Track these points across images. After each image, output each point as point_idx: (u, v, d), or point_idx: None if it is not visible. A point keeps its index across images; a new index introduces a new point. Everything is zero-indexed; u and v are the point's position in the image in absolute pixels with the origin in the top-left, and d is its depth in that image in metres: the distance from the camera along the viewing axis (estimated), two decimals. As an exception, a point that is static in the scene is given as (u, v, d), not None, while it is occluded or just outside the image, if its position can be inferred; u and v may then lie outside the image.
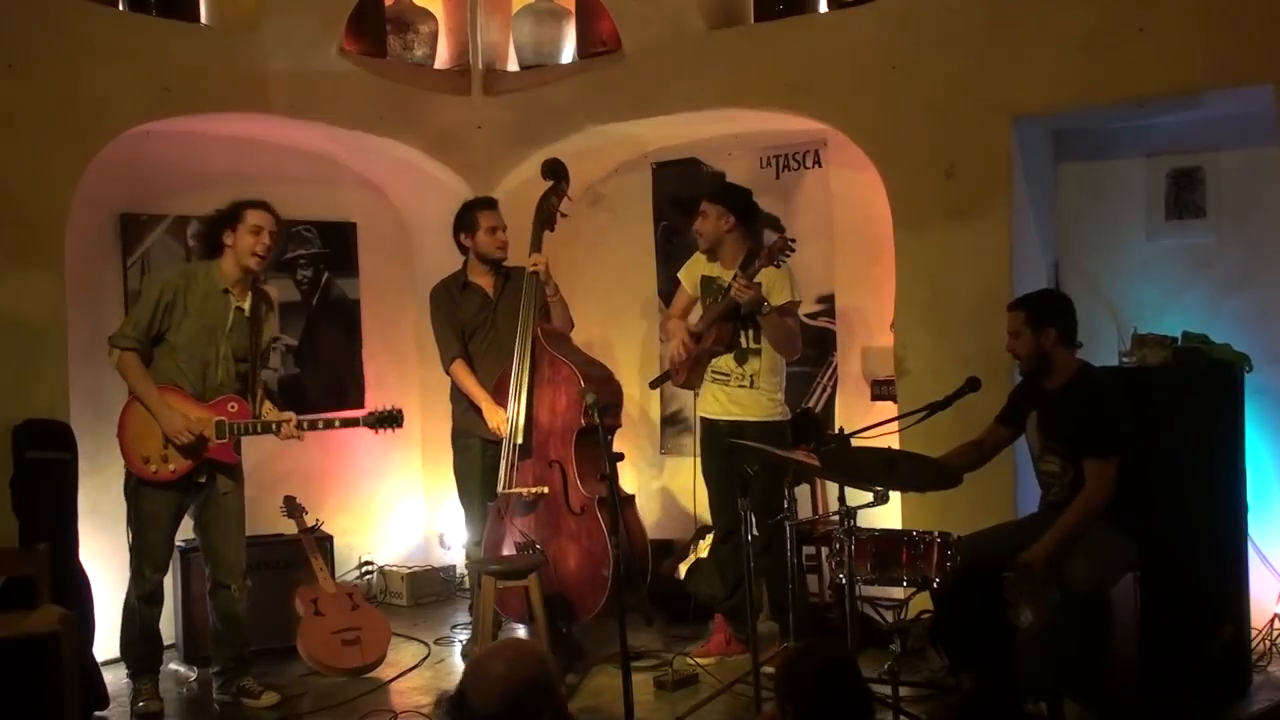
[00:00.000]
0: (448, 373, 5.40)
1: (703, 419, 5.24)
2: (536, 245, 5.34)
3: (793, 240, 4.86)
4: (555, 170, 5.44)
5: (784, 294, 5.03)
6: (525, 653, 2.39)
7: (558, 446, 5.14)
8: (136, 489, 4.67)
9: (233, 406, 4.69)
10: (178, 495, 4.70)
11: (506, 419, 5.18)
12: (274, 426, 4.73)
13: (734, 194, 5.22)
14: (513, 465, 5.16)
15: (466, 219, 5.44)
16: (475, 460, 5.39)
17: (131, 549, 4.73)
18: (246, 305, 4.76)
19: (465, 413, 5.39)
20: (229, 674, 4.86)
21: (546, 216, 5.39)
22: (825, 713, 2.66)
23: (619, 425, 5.44)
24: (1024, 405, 4.43)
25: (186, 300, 4.66)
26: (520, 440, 5.17)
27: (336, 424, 4.91)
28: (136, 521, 4.70)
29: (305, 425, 4.78)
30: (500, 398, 5.23)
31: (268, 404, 4.88)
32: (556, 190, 5.41)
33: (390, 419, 4.93)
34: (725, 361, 5.08)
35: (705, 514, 5.45)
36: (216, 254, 4.75)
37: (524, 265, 5.32)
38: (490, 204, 5.51)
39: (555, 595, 5.00)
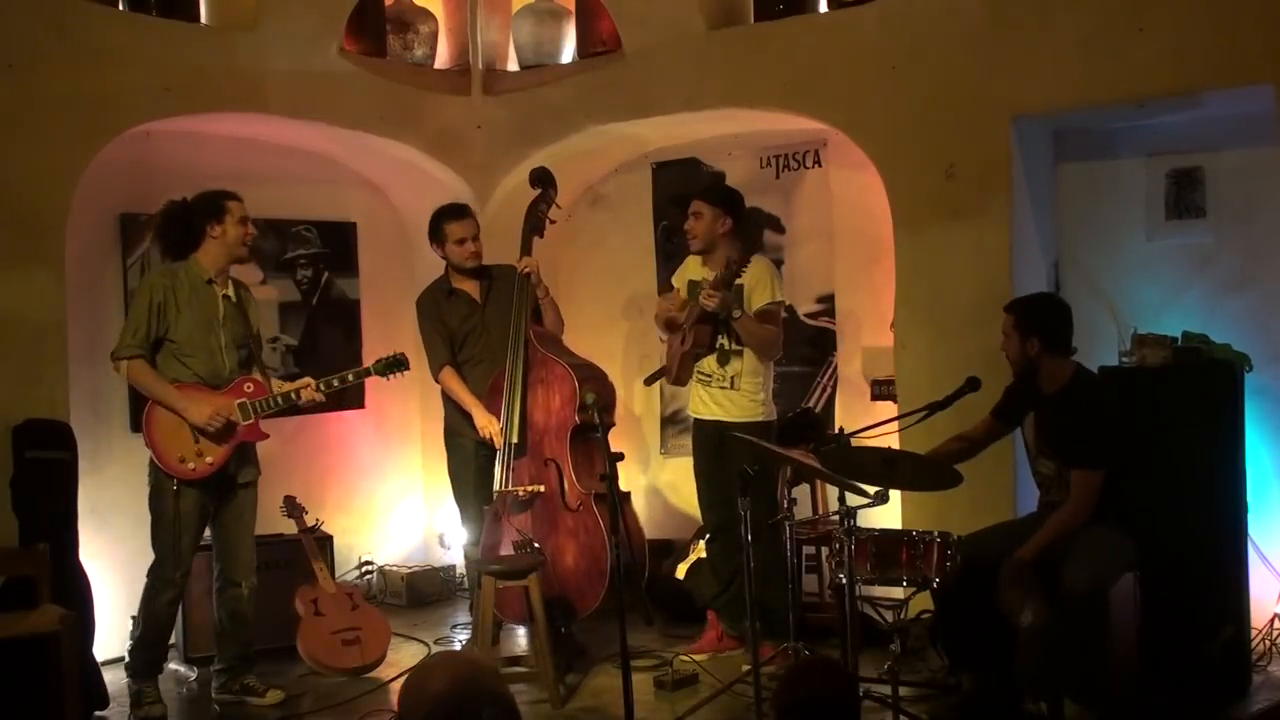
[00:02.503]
0: (437, 380, 5.43)
1: (692, 418, 5.29)
2: (526, 250, 5.37)
3: (742, 260, 4.87)
4: (543, 179, 5.47)
5: (765, 295, 5.04)
6: (451, 658, 2.36)
7: (553, 444, 5.17)
8: (169, 492, 4.62)
9: (249, 387, 4.74)
10: (208, 494, 4.72)
11: (498, 426, 5.19)
12: (294, 394, 4.78)
13: (731, 195, 5.21)
14: (508, 465, 5.17)
15: (435, 230, 5.43)
16: (469, 460, 5.40)
17: (159, 554, 4.69)
18: (231, 292, 4.81)
19: (455, 411, 5.41)
20: (232, 672, 4.87)
21: (535, 223, 5.44)
22: None
23: (613, 424, 5.44)
24: (1021, 405, 4.42)
25: (177, 298, 4.67)
26: (516, 439, 5.18)
27: (350, 378, 4.97)
28: (169, 525, 4.63)
29: (323, 386, 4.84)
30: (495, 400, 5.24)
31: (275, 380, 4.96)
32: (545, 198, 5.45)
33: (396, 364, 5.02)
34: (709, 363, 5.11)
35: (702, 513, 5.45)
36: (193, 248, 4.74)
37: (506, 263, 5.37)
38: (459, 213, 5.45)
39: (554, 595, 5.00)
